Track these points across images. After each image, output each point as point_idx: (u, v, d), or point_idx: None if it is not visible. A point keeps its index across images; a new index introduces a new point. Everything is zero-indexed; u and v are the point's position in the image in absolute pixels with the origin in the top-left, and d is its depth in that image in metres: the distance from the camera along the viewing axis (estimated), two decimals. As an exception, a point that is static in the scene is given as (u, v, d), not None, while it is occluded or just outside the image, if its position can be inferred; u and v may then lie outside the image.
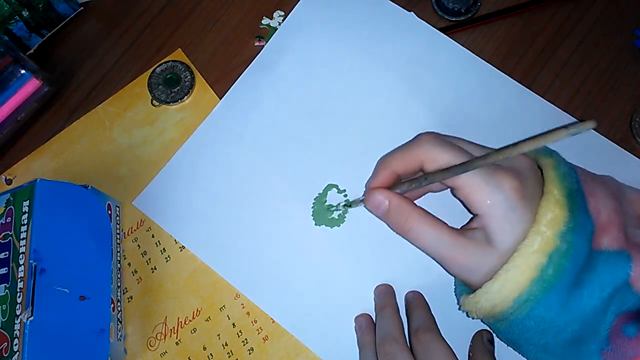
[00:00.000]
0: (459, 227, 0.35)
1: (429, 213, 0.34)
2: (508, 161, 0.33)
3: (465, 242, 0.32)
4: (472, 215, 0.34)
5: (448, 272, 0.34)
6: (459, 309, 0.35)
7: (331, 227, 0.41)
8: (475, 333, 0.38)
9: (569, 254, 0.30)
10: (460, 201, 0.33)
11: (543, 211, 0.30)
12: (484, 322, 0.35)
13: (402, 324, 0.37)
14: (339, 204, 0.41)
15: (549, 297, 0.30)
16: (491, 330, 0.36)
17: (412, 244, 0.34)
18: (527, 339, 0.32)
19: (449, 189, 0.38)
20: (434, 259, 0.34)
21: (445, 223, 0.33)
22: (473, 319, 0.34)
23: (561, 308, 0.30)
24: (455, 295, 0.37)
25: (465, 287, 0.35)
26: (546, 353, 0.31)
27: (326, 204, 0.42)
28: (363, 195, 0.38)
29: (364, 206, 0.36)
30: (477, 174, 0.31)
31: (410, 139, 0.36)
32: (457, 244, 0.32)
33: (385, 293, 0.39)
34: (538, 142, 0.28)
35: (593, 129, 0.41)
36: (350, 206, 0.41)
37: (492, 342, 0.37)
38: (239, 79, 0.46)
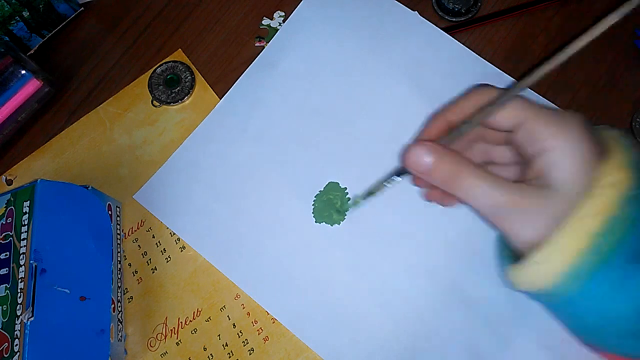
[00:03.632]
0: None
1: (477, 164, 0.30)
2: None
3: (524, 186, 0.28)
4: (526, 167, 0.31)
5: (499, 228, 0.30)
6: (504, 279, 0.31)
7: (332, 225, 0.41)
8: None
9: (629, 224, 0.27)
10: (518, 151, 0.31)
11: (604, 174, 0.27)
12: (529, 297, 0.32)
13: None
14: (349, 198, 0.41)
15: (603, 271, 0.26)
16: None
17: (462, 199, 0.30)
18: (577, 320, 0.29)
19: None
20: (484, 212, 0.30)
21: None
22: (518, 291, 0.31)
23: (617, 286, 0.27)
24: (499, 269, 0.34)
25: (510, 258, 0.31)
26: (600, 340, 0.29)
27: (332, 200, 0.42)
28: (386, 176, 0.37)
29: (400, 172, 0.34)
30: (542, 112, 0.29)
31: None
32: (514, 188, 0.28)
33: None
34: (596, 30, 0.26)
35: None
36: (371, 194, 0.39)
37: None
38: (242, 75, 0.46)
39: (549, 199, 0.28)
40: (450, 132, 0.31)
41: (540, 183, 0.28)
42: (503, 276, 0.31)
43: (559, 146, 0.28)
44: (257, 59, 0.46)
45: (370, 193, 0.39)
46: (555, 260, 0.27)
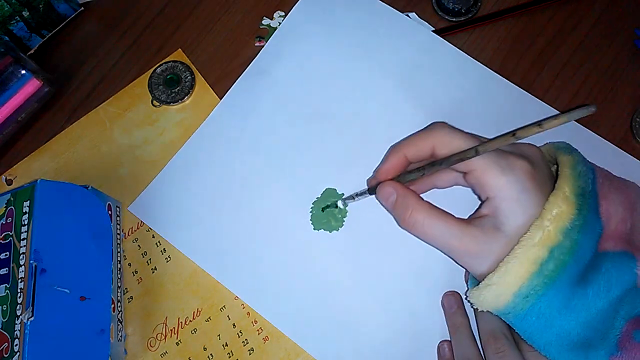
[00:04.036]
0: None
1: (434, 205, 0.34)
2: (519, 149, 0.33)
3: (474, 230, 0.32)
4: (479, 206, 0.34)
5: (457, 263, 0.34)
6: (466, 299, 0.35)
7: (330, 232, 0.41)
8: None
9: (573, 251, 0.30)
10: (473, 191, 0.34)
11: (550, 206, 0.30)
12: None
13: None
14: (335, 201, 0.41)
15: (549, 292, 0.29)
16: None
17: (419, 238, 0.34)
18: (530, 335, 0.31)
19: (452, 187, 0.38)
20: (442, 250, 0.34)
21: (451, 214, 0.33)
22: (482, 311, 0.34)
23: (563, 306, 0.30)
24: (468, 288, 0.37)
25: (475, 280, 0.35)
26: (549, 353, 0.31)
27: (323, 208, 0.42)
28: (360, 191, 0.39)
29: (375, 197, 0.37)
30: (490, 157, 0.31)
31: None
32: (465, 233, 0.32)
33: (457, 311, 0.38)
34: (548, 124, 0.29)
35: (594, 132, 0.42)
36: (353, 198, 0.40)
37: None
38: (235, 83, 0.46)
39: (499, 242, 0.31)
40: (410, 173, 0.35)
41: (492, 224, 0.31)
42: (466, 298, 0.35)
43: (507, 197, 0.31)
44: (250, 65, 0.46)
45: (347, 199, 0.41)
46: (506, 283, 0.30)
